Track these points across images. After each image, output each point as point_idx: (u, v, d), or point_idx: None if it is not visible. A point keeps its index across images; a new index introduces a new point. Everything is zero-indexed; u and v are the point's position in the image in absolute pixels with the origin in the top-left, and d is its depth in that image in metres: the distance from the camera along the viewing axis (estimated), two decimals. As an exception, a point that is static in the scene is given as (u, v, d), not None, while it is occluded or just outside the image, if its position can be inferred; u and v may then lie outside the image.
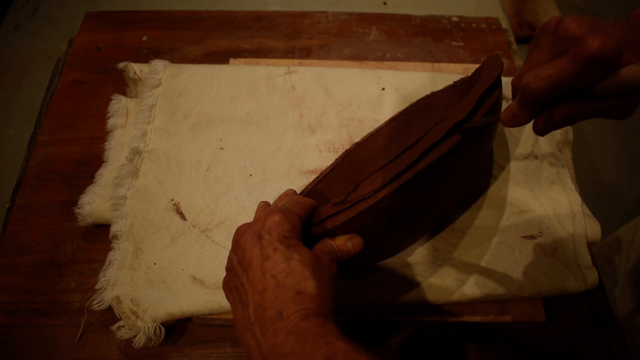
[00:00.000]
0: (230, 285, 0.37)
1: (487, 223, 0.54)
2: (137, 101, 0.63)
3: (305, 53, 0.74)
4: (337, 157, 0.52)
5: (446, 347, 0.48)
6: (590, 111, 0.35)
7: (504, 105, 0.62)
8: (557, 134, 0.62)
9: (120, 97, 0.64)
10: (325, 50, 0.75)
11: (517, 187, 0.57)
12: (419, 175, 0.40)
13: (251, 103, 0.63)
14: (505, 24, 0.81)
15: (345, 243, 0.40)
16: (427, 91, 0.62)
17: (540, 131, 0.37)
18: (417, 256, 0.52)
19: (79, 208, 0.54)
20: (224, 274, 0.50)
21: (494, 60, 0.49)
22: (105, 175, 0.57)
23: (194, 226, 0.53)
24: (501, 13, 0.84)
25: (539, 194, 0.56)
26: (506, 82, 0.52)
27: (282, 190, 0.56)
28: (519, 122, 0.37)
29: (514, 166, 0.59)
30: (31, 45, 0.79)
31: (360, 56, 0.75)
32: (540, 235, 0.53)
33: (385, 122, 0.55)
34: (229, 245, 0.52)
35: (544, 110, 0.36)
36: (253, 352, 0.32)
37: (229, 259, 0.38)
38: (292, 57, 0.73)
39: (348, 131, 0.61)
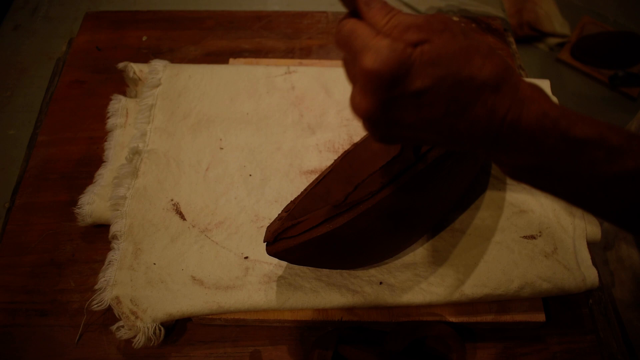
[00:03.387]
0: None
1: (487, 223, 0.54)
2: (137, 101, 0.63)
3: (305, 53, 0.74)
4: (336, 157, 0.52)
5: (446, 347, 0.48)
6: None
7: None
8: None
9: (120, 97, 0.64)
10: (325, 50, 0.75)
11: (516, 186, 0.57)
12: (418, 176, 0.40)
13: (251, 103, 0.63)
14: (505, 24, 0.81)
15: None
16: (427, 91, 0.62)
17: None
18: (417, 256, 0.52)
19: (79, 208, 0.54)
20: (223, 274, 0.50)
21: None
22: (105, 175, 0.57)
23: (193, 226, 0.53)
24: (501, 13, 0.84)
25: (538, 194, 0.56)
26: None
27: (282, 191, 0.56)
28: None
29: (513, 166, 0.59)
30: (31, 45, 0.79)
31: (360, 56, 0.74)
32: (540, 236, 0.53)
33: (385, 122, 0.55)
34: (229, 245, 0.52)
35: None
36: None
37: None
38: (292, 57, 0.73)
39: (348, 131, 0.61)
